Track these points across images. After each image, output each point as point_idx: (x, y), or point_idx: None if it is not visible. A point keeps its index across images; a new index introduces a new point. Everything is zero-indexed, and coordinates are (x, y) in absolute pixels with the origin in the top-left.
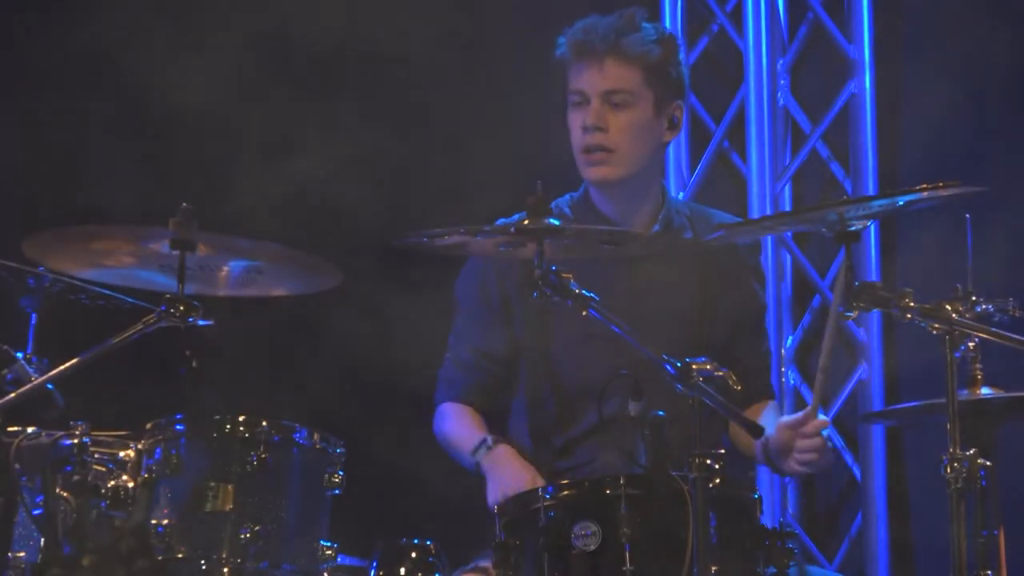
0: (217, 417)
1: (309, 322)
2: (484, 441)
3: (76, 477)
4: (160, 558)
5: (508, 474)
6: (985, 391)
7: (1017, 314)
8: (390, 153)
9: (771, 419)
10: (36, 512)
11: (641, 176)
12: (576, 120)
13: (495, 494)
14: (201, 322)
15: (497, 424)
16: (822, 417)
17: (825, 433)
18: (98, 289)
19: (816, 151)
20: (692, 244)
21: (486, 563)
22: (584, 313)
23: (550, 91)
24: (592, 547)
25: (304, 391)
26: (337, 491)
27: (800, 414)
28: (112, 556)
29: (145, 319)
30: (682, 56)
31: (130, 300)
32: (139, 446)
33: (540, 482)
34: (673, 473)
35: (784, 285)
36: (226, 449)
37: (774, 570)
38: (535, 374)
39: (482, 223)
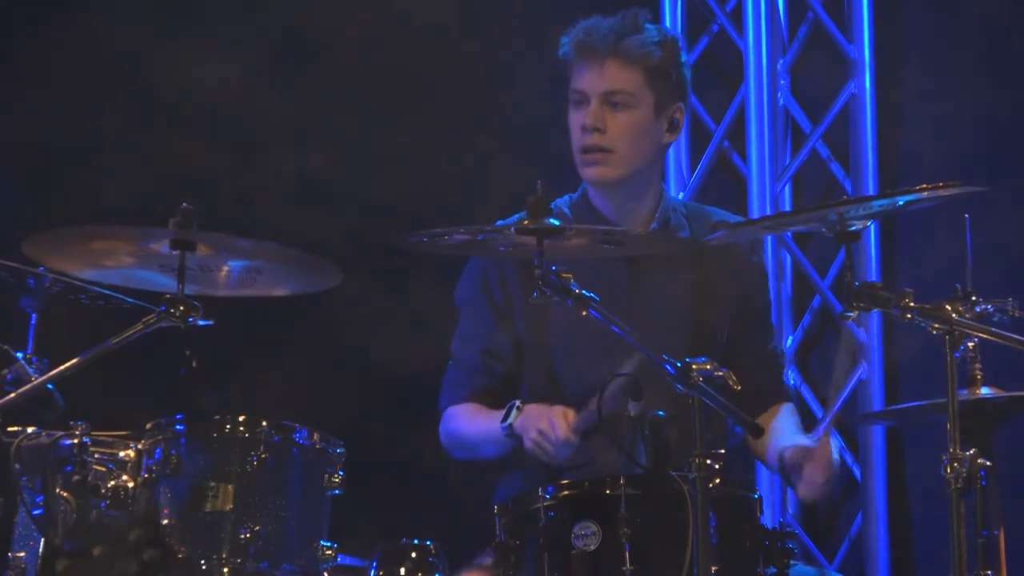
0: (217, 417)
1: (309, 322)
2: (512, 404)
3: (76, 477)
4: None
5: (540, 413)
6: (985, 391)
7: (1017, 314)
8: (391, 152)
9: (789, 426)
10: (36, 512)
11: (640, 177)
12: (576, 120)
13: (531, 433)
14: (201, 322)
15: None
16: (835, 453)
17: (836, 458)
18: (98, 289)
19: (816, 151)
20: (691, 243)
21: (487, 561)
22: (584, 313)
23: (553, 89)
24: (592, 547)
25: (304, 391)
26: (337, 491)
27: (812, 443)
28: (121, 547)
29: (145, 319)
30: (684, 58)
31: (130, 300)
32: (139, 446)
33: (570, 411)
34: (673, 473)
35: (784, 285)
36: (226, 449)
37: (774, 570)
38: (535, 374)
39: (483, 223)
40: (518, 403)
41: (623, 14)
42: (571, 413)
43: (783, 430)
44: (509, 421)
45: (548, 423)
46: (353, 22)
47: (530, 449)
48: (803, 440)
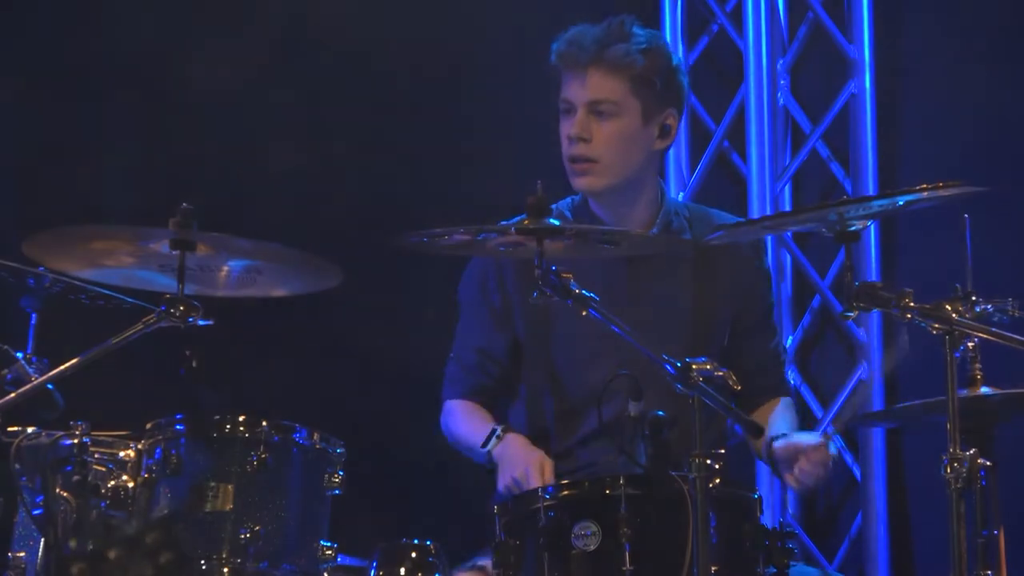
0: (217, 417)
1: (309, 322)
2: (494, 431)
3: (76, 477)
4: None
5: (518, 458)
6: (985, 391)
7: (1017, 314)
8: (392, 152)
9: (784, 419)
10: (36, 512)
11: (631, 184)
12: (564, 129)
13: (505, 478)
14: (201, 322)
15: (498, 417)
16: (832, 450)
17: (833, 451)
18: (98, 289)
19: (816, 151)
20: (690, 244)
21: (485, 561)
22: (584, 313)
23: (554, 89)
24: (592, 547)
25: (304, 391)
26: (337, 491)
27: (813, 442)
28: (137, 550)
29: (145, 319)
30: (676, 63)
31: (130, 300)
32: (139, 446)
33: (548, 463)
34: (673, 473)
35: (784, 285)
36: (226, 449)
37: (774, 570)
38: (535, 374)
39: (483, 223)
40: (499, 431)
41: (609, 21)
42: (549, 467)
43: (775, 423)
44: (488, 448)
45: (524, 475)
46: (354, 23)
47: (501, 489)
48: (800, 437)
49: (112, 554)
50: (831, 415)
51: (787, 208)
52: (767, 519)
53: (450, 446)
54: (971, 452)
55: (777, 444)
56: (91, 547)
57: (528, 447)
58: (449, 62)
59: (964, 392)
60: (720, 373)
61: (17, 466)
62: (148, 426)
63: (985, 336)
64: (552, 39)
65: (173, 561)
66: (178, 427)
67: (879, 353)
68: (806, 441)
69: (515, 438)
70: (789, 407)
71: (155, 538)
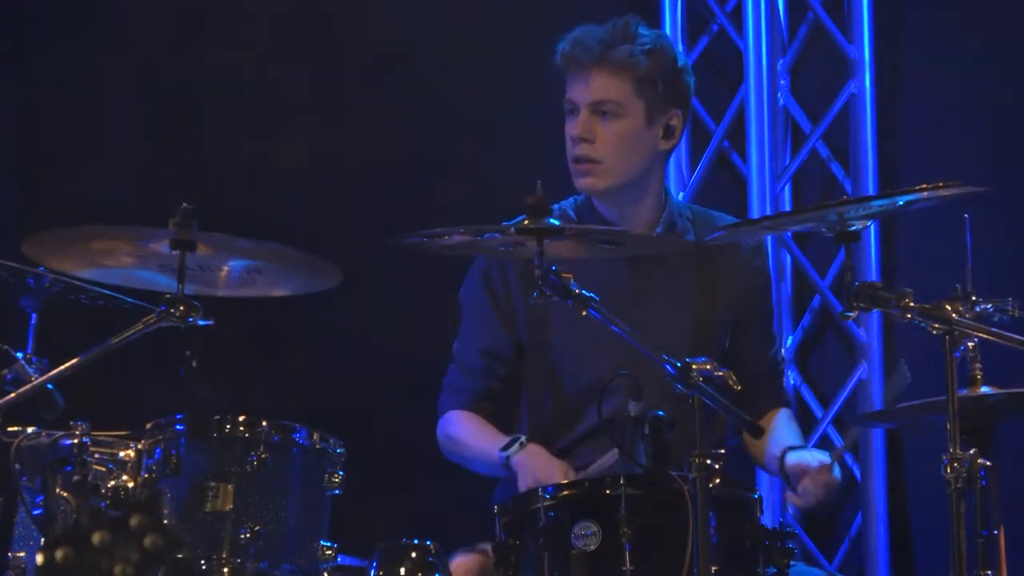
0: (217, 417)
1: (309, 322)
2: (517, 439)
3: (76, 477)
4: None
5: (542, 465)
6: (985, 391)
7: (1017, 314)
8: (392, 152)
9: (791, 429)
10: (36, 512)
11: (634, 184)
12: (568, 129)
13: (527, 480)
14: (201, 322)
15: (500, 427)
16: (836, 474)
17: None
18: (98, 289)
19: (816, 151)
20: (690, 244)
21: (487, 546)
22: (584, 313)
23: (557, 89)
24: (592, 547)
25: (304, 391)
26: (337, 491)
27: (817, 463)
28: (122, 533)
29: (145, 319)
30: (682, 64)
31: (130, 300)
32: (139, 446)
33: (572, 474)
34: (673, 473)
35: (784, 285)
36: (226, 449)
37: (774, 570)
38: (536, 374)
39: (483, 223)
40: (523, 439)
41: (614, 22)
42: (572, 476)
43: (782, 433)
44: (508, 453)
45: (548, 475)
46: (354, 24)
47: (522, 488)
48: (807, 458)
49: (97, 538)
50: (831, 415)
51: (787, 208)
52: (767, 519)
53: (448, 455)
54: (971, 452)
55: (789, 460)
56: (76, 531)
57: (550, 458)
58: (450, 62)
59: (964, 392)
60: (720, 373)
61: (17, 466)
62: (148, 426)
63: (985, 336)
64: (555, 40)
65: (158, 544)
66: (178, 427)
67: (879, 353)
68: (814, 461)
69: (538, 449)
70: (791, 418)
71: (140, 521)
